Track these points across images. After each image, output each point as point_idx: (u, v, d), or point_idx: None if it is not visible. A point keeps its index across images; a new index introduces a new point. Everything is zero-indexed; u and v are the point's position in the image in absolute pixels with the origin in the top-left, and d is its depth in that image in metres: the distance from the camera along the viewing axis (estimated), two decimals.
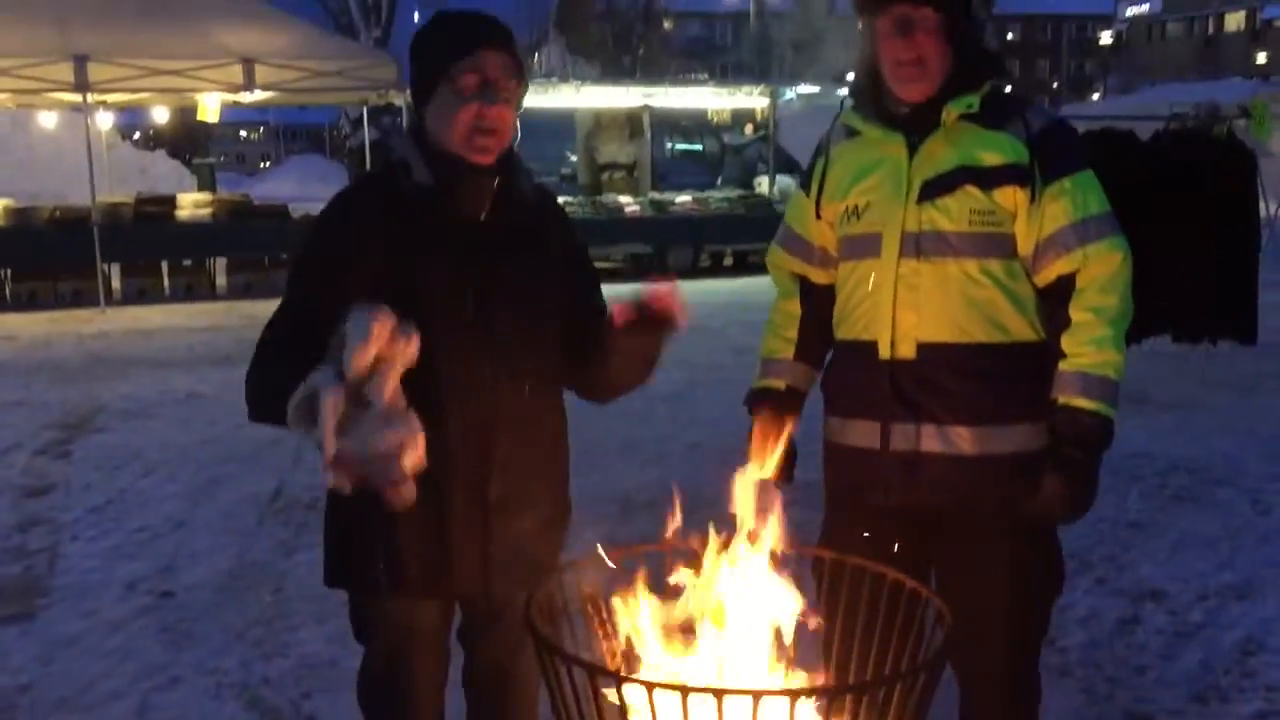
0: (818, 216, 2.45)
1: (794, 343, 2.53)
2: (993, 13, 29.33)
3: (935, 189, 2.24)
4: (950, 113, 2.24)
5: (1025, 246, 2.24)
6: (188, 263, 13.55)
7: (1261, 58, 56.13)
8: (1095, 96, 57.40)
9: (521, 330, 2.06)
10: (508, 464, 2.06)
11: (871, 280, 2.30)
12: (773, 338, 2.56)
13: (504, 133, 2.04)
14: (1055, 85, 64.57)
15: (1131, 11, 64.38)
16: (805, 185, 2.50)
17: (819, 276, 2.50)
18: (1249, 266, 7.28)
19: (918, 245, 2.24)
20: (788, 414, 2.50)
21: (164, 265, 13.39)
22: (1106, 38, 64.40)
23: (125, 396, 7.99)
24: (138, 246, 12.96)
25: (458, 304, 2.00)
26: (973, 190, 2.22)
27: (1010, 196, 2.22)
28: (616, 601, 1.74)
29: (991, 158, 2.23)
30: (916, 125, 2.27)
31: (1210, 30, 61.72)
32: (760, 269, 13.23)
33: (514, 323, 2.05)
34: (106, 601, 4.29)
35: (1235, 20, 60.78)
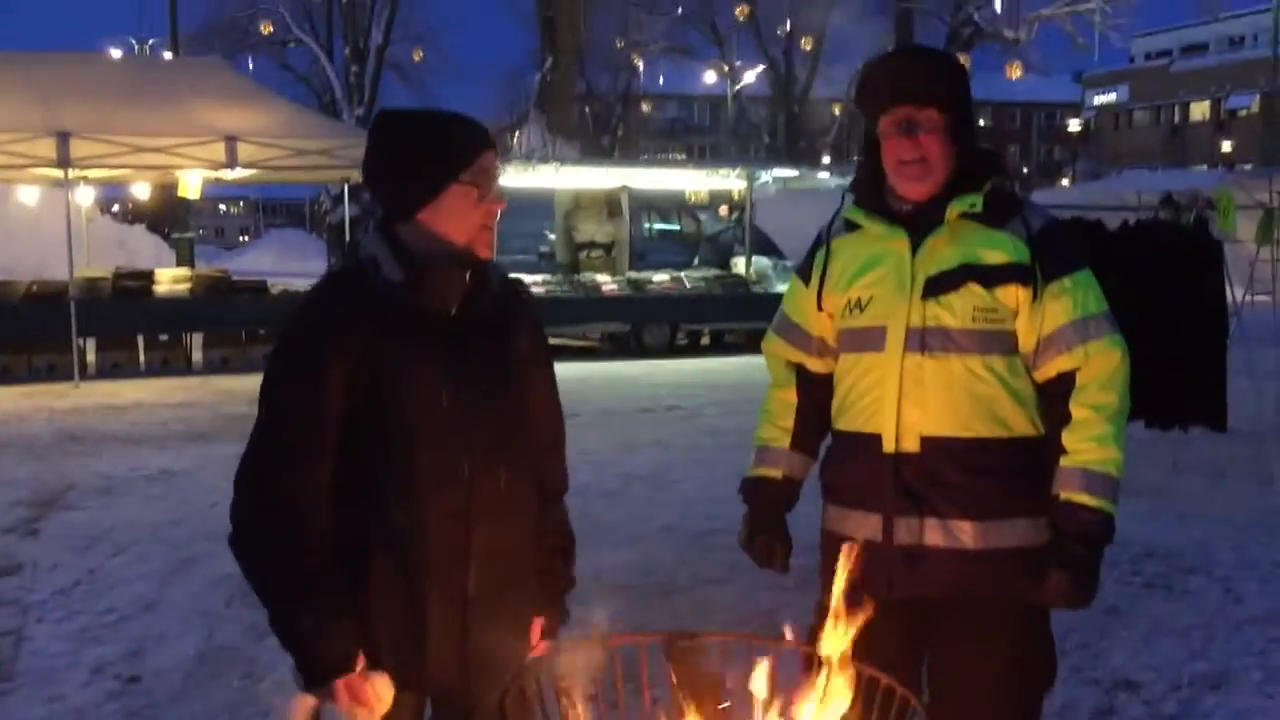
0: (819, 308, 2.48)
1: (790, 431, 2.55)
2: None
3: (939, 286, 2.29)
4: (953, 211, 2.30)
5: (1026, 343, 2.30)
6: (164, 337, 13.52)
7: (1227, 146, 57.43)
8: (1065, 182, 58.46)
9: (496, 420, 2.09)
10: (485, 556, 2.07)
11: (875, 374, 2.34)
12: (769, 426, 2.58)
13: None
14: (1026, 171, 65.78)
15: (1099, 100, 65.94)
16: (805, 276, 2.54)
17: (817, 366, 2.53)
18: (1218, 354, 7.39)
19: (922, 340, 2.29)
20: (784, 503, 2.56)
21: (140, 340, 13.36)
22: (1075, 125, 65.81)
23: (96, 473, 7.92)
24: (115, 321, 12.94)
25: (433, 396, 2.02)
26: (976, 288, 2.28)
27: (1013, 295, 2.28)
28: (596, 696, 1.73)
29: (994, 256, 2.29)
30: (920, 222, 2.33)
31: (1176, 119, 63.20)
32: (736, 348, 13.31)
33: (488, 413, 2.08)
34: (72, 686, 4.22)
35: (1200, 109, 62.30)
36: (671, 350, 15.75)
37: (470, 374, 2.07)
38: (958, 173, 2.32)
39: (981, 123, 69.38)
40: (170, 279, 13.55)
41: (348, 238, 17.88)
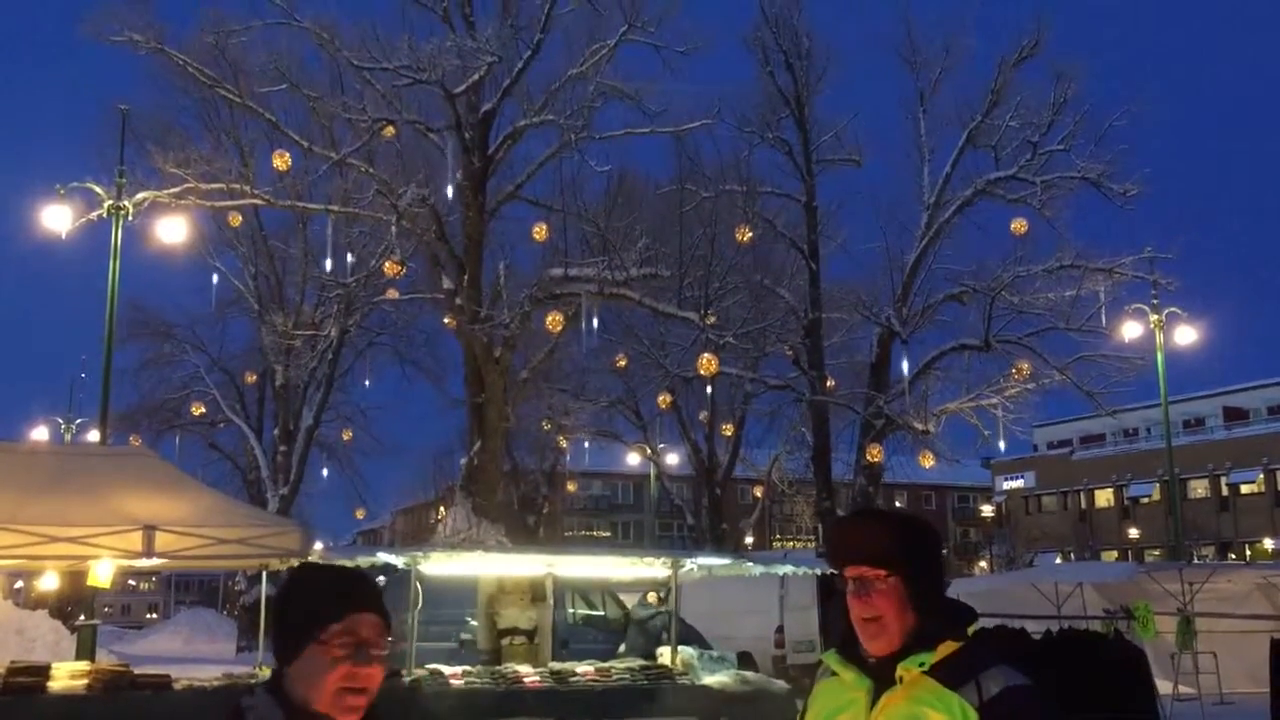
0: None
1: None
2: (881, 483, 30.93)
3: None
4: (902, 670, 2.37)
5: None
6: None
7: (1133, 532, 59.37)
8: (984, 564, 59.51)
9: None
10: None
11: None
12: None
13: (373, 691, 2.04)
14: (944, 552, 66.93)
15: (1008, 485, 68.51)
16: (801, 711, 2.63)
17: None
18: None
19: None
20: None
21: None
22: (988, 510, 67.97)
23: None
24: None
25: None
26: None
27: None
28: None
29: (939, 718, 2.32)
30: (881, 674, 2.42)
31: (1083, 504, 65.59)
32: None
33: None
34: None
35: (1104, 496, 64.88)
36: None
37: None
38: (916, 631, 2.41)
39: (898, 504, 71.37)
40: (68, 674, 12.80)
41: (262, 620, 17.34)
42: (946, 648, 2.40)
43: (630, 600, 20.15)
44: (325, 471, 38.19)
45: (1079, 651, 7.00)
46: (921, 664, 2.37)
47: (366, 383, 35.30)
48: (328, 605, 2.03)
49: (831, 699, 2.52)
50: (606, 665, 16.04)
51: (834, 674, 2.53)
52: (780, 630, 22.37)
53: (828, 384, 29.81)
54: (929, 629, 2.42)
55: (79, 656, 15.53)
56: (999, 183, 28.92)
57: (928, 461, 28.04)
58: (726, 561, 19.05)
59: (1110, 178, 27.88)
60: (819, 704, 2.54)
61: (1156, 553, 52.29)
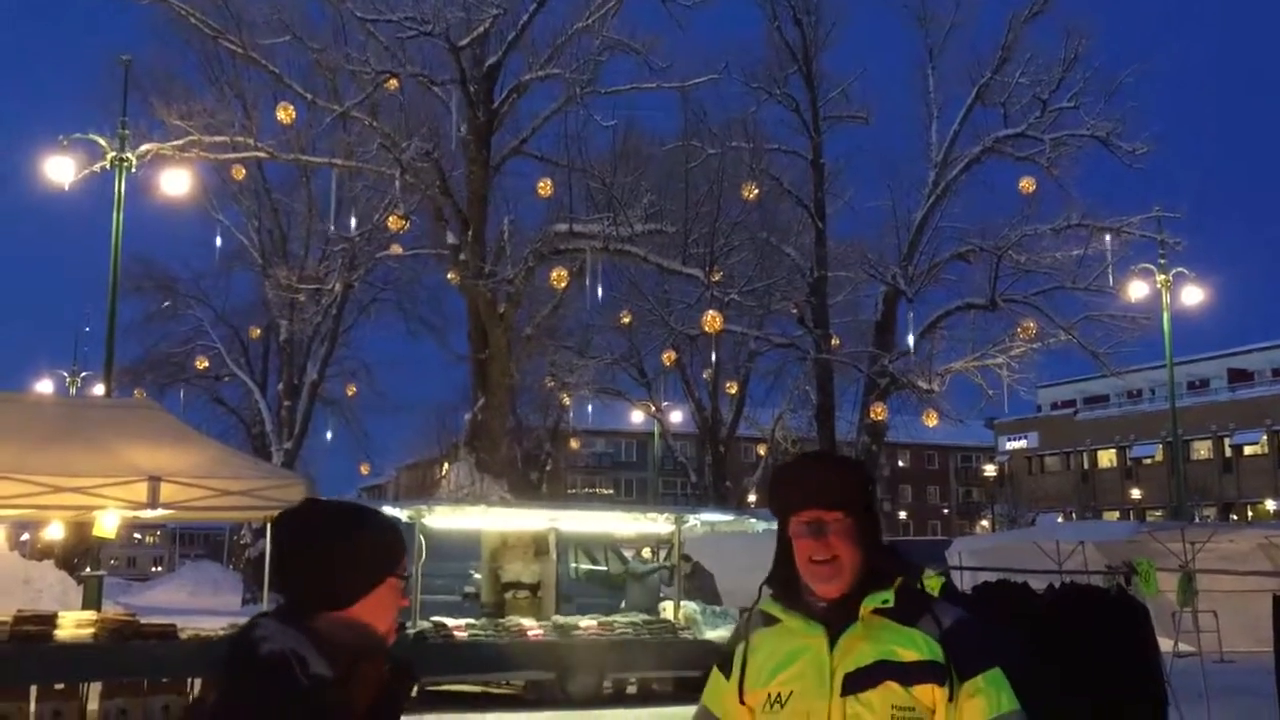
0: (741, 701, 2.48)
1: None
2: (884, 442, 30.94)
3: (858, 682, 2.33)
4: (866, 607, 2.36)
5: None
6: (60, 686, 12.71)
7: (1136, 493, 59.56)
8: (985, 524, 59.78)
9: None
10: None
11: None
12: None
13: None
14: (946, 512, 67.19)
15: (1011, 445, 68.67)
16: (725, 670, 2.54)
17: None
18: None
19: None
20: None
21: (33, 690, 12.54)
22: (990, 470, 68.19)
23: None
24: (8, 670, 12.18)
25: None
26: (894, 686, 2.31)
27: (929, 693, 2.31)
28: None
29: (909, 654, 2.33)
30: (835, 618, 2.39)
31: (1085, 465, 65.76)
32: (666, 699, 12.85)
33: None
34: None
35: (1108, 457, 65.04)
36: (598, 700, 15.17)
37: None
38: (867, 571, 2.41)
39: (901, 463, 71.57)
40: (74, 623, 12.89)
41: (266, 573, 17.38)
42: (898, 584, 2.41)
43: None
44: (329, 429, 38.30)
45: (1082, 604, 7.02)
46: (885, 600, 2.37)
47: (369, 323, 35.02)
48: (398, 542, 2.17)
49: (777, 647, 2.45)
50: (609, 619, 16.16)
51: (771, 622, 2.48)
52: None
53: (832, 342, 29.77)
54: (881, 566, 2.43)
55: (85, 606, 15.64)
56: (1007, 140, 28.71)
57: (931, 421, 28.05)
58: (729, 517, 19.15)
59: (1119, 136, 27.69)
60: (762, 653, 2.47)
61: (1159, 513, 52.51)
